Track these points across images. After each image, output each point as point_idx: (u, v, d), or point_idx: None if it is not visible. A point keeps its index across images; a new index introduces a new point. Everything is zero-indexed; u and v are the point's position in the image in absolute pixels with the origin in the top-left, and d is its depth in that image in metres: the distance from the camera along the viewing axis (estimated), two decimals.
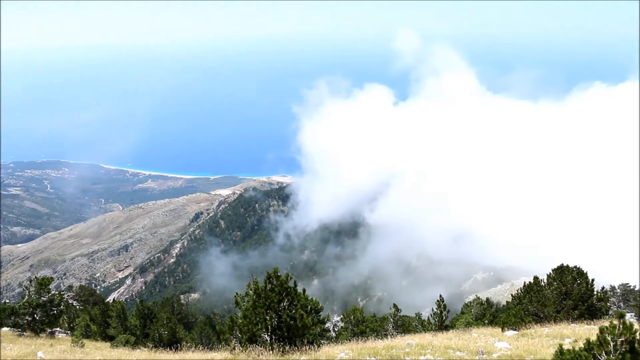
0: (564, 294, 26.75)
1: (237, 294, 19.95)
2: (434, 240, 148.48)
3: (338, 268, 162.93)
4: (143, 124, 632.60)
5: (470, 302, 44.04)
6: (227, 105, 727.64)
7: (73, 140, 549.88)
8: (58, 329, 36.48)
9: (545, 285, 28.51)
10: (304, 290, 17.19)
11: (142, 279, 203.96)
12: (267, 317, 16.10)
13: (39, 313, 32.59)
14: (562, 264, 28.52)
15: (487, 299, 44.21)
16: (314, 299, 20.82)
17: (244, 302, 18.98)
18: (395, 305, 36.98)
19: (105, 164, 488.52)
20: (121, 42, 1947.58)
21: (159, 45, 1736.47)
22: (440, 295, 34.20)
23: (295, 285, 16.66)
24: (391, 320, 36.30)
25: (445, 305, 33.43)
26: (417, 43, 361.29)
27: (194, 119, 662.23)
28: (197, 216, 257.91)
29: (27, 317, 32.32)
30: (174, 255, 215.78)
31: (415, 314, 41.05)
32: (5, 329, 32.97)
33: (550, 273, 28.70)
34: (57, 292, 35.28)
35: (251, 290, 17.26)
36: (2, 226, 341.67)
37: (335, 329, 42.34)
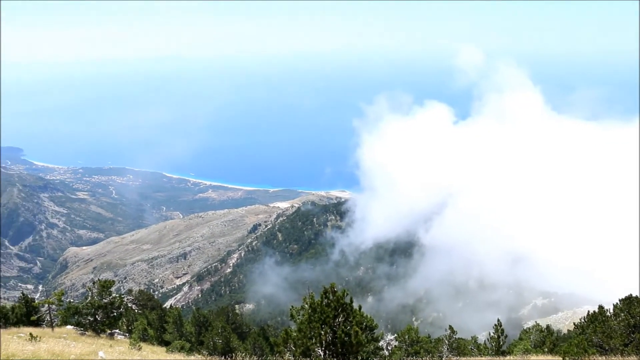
0: (632, 327, 25.49)
1: (292, 307, 19.90)
2: (490, 263, 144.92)
3: (391, 287, 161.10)
4: (206, 135, 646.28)
5: (529, 329, 42.69)
6: (289, 118, 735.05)
7: (138, 148, 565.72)
8: (117, 330, 37.32)
9: (611, 315, 27.31)
10: (360, 307, 17.03)
11: (199, 287, 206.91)
12: (322, 332, 16.00)
13: (100, 314, 33.48)
14: (631, 295, 27.27)
15: (548, 326, 42.80)
16: (368, 316, 20.59)
17: (299, 315, 18.93)
18: (450, 327, 36.26)
19: (168, 172, 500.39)
20: (187, 54, 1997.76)
21: (223, 58, 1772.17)
22: (498, 320, 33.34)
23: (351, 301, 16.52)
24: (446, 342, 35.59)
25: (502, 330, 32.57)
26: (479, 59, 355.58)
27: (255, 131, 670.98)
28: (255, 227, 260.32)
29: (89, 317, 33.27)
30: (231, 265, 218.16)
31: (471, 337, 40.05)
32: (69, 327, 34.04)
33: (617, 303, 27.49)
34: (117, 295, 36.17)
35: (307, 304, 17.23)
36: (69, 228, 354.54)
37: (389, 348, 41.79)
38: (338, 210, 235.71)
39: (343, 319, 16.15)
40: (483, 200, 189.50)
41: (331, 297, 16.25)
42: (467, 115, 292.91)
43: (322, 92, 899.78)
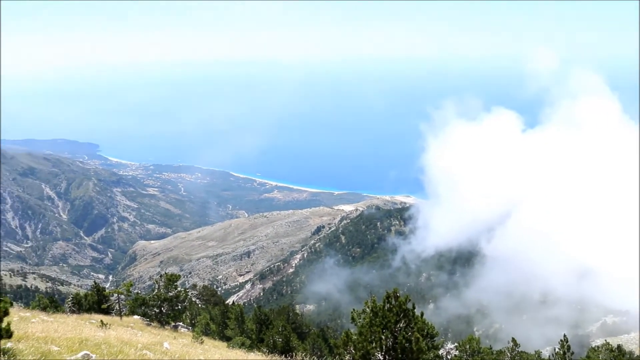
0: None
1: (353, 310, 19.91)
2: (553, 277, 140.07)
3: (450, 296, 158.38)
4: (274, 136, 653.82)
5: (598, 347, 41.17)
6: (356, 121, 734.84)
7: (207, 147, 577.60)
8: (181, 323, 38.21)
9: None
10: (422, 314, 16.85)
11: (261, 286, 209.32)
12: (383, 337, 15.91)
13: (165, 306, 34.42)
14: None
15: (619, 346, 41.13)
16: (430, 323, 20.36)
17: (360, 318, 18.92)
18: (513, 340, 35.43)
19: (235, 172, 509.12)
20: (259, 57, 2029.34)
21: (293, 61, 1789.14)
22: (565, 336, 32.29)
23: (414, 307, 16.37)
24: (508, 354, 34.80)
25: (569, 347, 31.52)
26: (553, 64, 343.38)
27: (322, 133, 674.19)
28: (318, 229, 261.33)
29: (155, 309, 34.26)
30: (293, 265, 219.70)
31: (535, 351, 38.97)
32: (136, 317, 35.15)
33: None
34: (182, 289, 37.08)
35: (368, 307, 17.17)
36: (139, 222, 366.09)
37: (448, 357, 41.15)
38: (402, 215, 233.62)
39: (404, 325, 16.01)
40: (549, 212, 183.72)
41: (393, 302, 16.14)
42: (536, 123, 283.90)
43: (390, 96, 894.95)
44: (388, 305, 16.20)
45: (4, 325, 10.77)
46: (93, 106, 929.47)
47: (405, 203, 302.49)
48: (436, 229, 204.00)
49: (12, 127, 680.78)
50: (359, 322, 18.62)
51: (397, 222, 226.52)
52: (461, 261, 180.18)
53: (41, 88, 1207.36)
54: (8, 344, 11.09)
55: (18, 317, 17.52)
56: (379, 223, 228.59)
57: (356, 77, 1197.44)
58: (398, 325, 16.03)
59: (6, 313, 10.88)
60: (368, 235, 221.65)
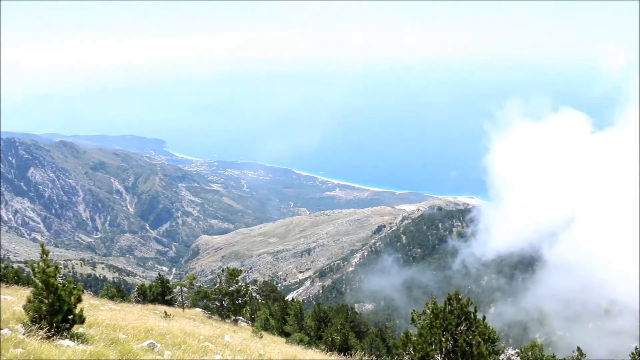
0: None
1: (414, 310, 19.71)
2: (618, 286, 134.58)
3: (509, 302, 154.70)
4: (337, 134, 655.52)
5: None
6: (418, 121, 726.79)
7: (271, 145, 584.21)
8: (241, 317, 38.74)
9: None
10: (484, 318, 16.56)
11: (321, 283, 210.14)
12: (443, 339, 15.73)
13: (226, 300, 35.01)
14: None
15: None
16: (491, 327, 19.97)
17: (420, 320, 18.73)
18: (579, 349, 34.37)
19: (297, 169, 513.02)
20: (318, 54, 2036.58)
21: (356, 59, 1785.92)
22: (636, 348, 31.08)
23: (475, 310, 16.10)
24: None
25: None
26: (623, 62, 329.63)
27: (385, 133, 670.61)
28: (379, 228, 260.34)
29: (216, 302, 34.92)
30: (353, 264, 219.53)
31: None
32: (197, 309, 35.97)
33: None
34: (243, 284, 37.62)
35: (429, 309, 17.00)
36: (202, 217, 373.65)
37: None
38: (464, 217, 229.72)
39: (465, 328, 15.77)
40: (615, 218, 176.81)
41: (455, 304, 15.92)
42: (606, 125, 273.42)
43: (454, 95, 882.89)
44: (449, 307, 15.99)
45: (77, 311, 11.27)
46: (160, 103, 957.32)
47: (467, 204, 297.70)
48: (498, 232, 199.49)
49: (84, 123, 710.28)
50: (419, 323, 18.45)
51: (459, 224, 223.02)
52: (522, 266, 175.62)
53: (111, 85, 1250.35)
54: (80, 329, 11.57)
55: (88, 304, 18.24)
56: (440, 224, 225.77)
57: (419, 76, 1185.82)
58: (459, 328, 15.81)
59: (79, 300, 11.37)
60: (429, 236, 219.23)
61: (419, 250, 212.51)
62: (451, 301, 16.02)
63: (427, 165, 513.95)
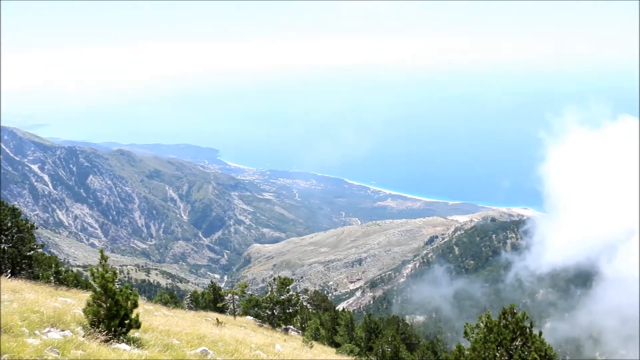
0: None
1: (467, 324, 19.37)
2: None
3: (564, 318, 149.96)
4: (388, 143, 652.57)
5: None
6: (471, 130, 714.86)
7: (322, 155, 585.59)
8: (291, 326, 38.84)
9: None
10: (540, 333, 16.10)
11: (371, 294, 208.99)
12: (497, 354, 15.39)
13: (277, 309, 35.20)
14: None
15: None
16: (547, 344, 19.41)
17: (473, 333, 18.39)
18: None
19: (349, 179, 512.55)
20: (367, 60, 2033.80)
21: (404, 66, 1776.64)
22: None
23: (531, 325, 15.67)
24: None
25: None
26: None
27: (437, 142, 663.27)
28: (431, 239, 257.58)
29: (267, 311, 35.14)
30: (405, 275, 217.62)
31: None
32: (248, 317, 36.23)
33: None
34: (294, 293, 37.73)
35: (482, 323, 16.67)
36: (254, 226, 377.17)
37: None
38: (518, 228, 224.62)
39: (521, 344, 15.37)
40: None
41: (510, 318, 15.54)
42: None
43: (507, 102, 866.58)
44: (504, 321, 15.63)
45: (133, 316, 11.53)
46: (214, 112, 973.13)
47: (522, 215, 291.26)
48: (553, 245, 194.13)
49: (141, 132, 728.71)
50: (472, 337, 18.10)
51: (513, 236, 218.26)
52: (578, 281, 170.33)
53: (167, 95, 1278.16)
54: (135, 334, 11.82)
55: (143, 309, 18.64)
56: (494, 235, 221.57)
57: (471, 84, 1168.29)
58: (514, 344, 15.43)
59: (135, 305, 11.63)
60: (482, 247, 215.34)
61: (471, 262, 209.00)
62: (506, 315, 15.65)
63: (481, 175, 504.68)
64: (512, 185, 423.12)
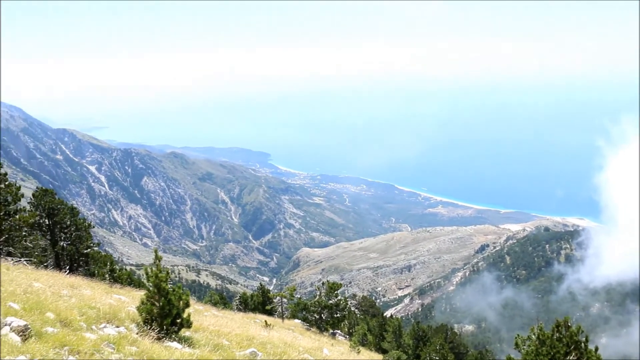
0: None
1: (518, 335, 18.94)
2: None
3: (621, 334, 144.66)
4: (442, 151, 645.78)
5: None
6: (523, 138, 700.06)
7: (373, 159, 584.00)
8: (339, 331, 38.79)
9: None
10: (596, 349, 15.57)
11: (420, 301, 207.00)
12: None
13: (325, 313, 35.19)
14: None
15: None
16: None
17: (524, 345, 17.97)
18: None
19: (400, 185, 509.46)
20: (422, 70, 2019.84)
21: (460, 75, 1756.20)
22: None
23: (587, 340, 15.19)
24: None
25: None
26: None
27: (491, 150, 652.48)
28: (482, 248, 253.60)
29: (315, 315, 35.18)
30: (454, 283, 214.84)
31: None
32: (296, 320, 36.39)
33: None
34: (342, 298, 37.67)
35: (534, 334, 16.26)
36: (304, 230, 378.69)
37: None
38: (572, 239, 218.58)
39: (575, 358, 14.91)
40: None
41: (564, 331, 15.08)
42: None
43: (562, 109, 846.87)
44: (557, 334, 15.17)
45: (185, 315, 11.75)
46: (266, 117, 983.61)
47: (577, 226, 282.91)
48: (609, 258, 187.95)
49: (195, 135, 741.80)
50: (523, 349, 17.68)
51: (568, 247, 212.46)
52: (635, 296, 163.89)
53: (220, 100, 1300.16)
54: (186, 333, 12.05)
55: (193, 309, 18.94)
56: (547, 246, 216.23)
57: (526, 92, 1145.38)
58: (567, 358, 14.97)
59: (187, 305, 11.86)
60: (535, 257, 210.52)
61: (523, 272, 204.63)
62: (560, 328, 15.21)
63: (534, 184, 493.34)
64: (567, 194, 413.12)
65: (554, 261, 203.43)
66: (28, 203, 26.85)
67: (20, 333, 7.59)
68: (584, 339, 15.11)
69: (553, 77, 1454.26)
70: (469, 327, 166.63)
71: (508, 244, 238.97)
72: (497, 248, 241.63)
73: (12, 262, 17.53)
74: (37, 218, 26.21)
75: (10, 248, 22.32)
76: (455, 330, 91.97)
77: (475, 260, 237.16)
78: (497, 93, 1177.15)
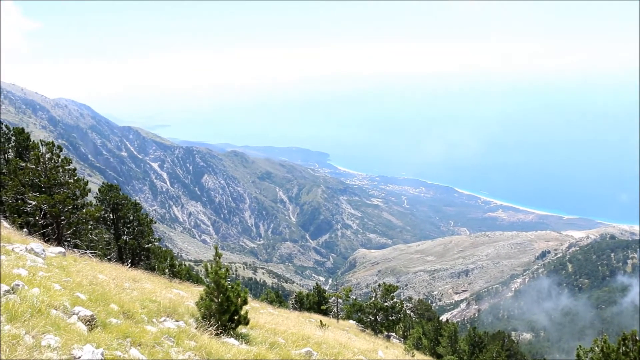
0: None
1: (580, 346, 18.42)
2: None
3: None
4: (502, 154, 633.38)
5: None
6: (589, 141, 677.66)
7: (432, 161, 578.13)
8: (393, 334, 38.58)
9: None
10: None
11: (477, 307, 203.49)
12: None
13: (380, 315, 35.08)
14: None
15: None
16: None
17: (586, 357, 17.44)
18: None
19: (459, 188, 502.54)
20: (483, 70, 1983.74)
21: (525, 76, 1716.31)
22: None
23: None
24: None
25: None
26: None
27: (552, 152, 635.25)
28: (543, 254, 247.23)
29: (370, 317, 35.10)
30: (513, 289, 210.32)
31: None
32: (351, 321, 36.38)
33: None
34: (398, 301, 37.45)
35: (598, 347, 15.76)
36: (361, 231, 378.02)
37: None
38: None
39: None
40: None
41: (631, 345, 14.53)
42: None
43: (630, 110, 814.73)
44: (624, 348, 14.63)
45: (242, 312, 11.92)
46: (326, 117, 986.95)
47: None
48: None
49: (255, 134, 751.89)
50: None
51: (635, 256, 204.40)
52: None
53: (280, 100, 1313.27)
54: (243, 330, 12.22)
55: (250, 307, 19.19)
56: (612, 254, 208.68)
57: (589, 94, 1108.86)
58: None
59: (245, 302, 12.03)
60: (599, 266, 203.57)
61: (586, 281, 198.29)
62: (626, 341, 14.66)
63: (600, 188, 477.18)
64: (635, 200, 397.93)
65: (619, 271, 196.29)
66: (94, 198, 27.83)
67: (87, 322, 7.87)
68: None
69: (616, 78, 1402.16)
70: (527, 336, 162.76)
71: (570, 251, 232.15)
72: (559, 255, 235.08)
73: (78, 254, 18.16)
74: (102, 212, 27.14)
75: (77, 240, 23.20)
76: (513, 338, 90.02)
77: (535, 266, 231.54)
78: (562, 93, 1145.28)
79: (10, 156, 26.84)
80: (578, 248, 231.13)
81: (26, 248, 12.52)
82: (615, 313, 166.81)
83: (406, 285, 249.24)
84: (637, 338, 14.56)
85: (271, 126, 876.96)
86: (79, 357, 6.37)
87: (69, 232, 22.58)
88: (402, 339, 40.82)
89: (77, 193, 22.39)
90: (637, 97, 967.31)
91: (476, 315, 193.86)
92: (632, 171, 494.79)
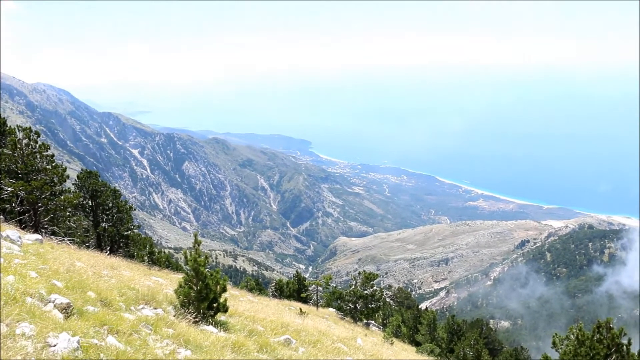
0: None
1: (556, 334, 18.65)
2: None
3: None
4: (485, 144, 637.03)
5: None
6: (569, 132, 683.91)
7: (414, 150, 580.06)
8: (373, 322, 38.75)
9: None
10: None
11: (456, 295, 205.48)
12: None
13: (360, 303, 35.21)
14: None
15: None
16: None
17: (562, 345, 17.68)
18: None
19: (441, 177, 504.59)
20: (469, 61, 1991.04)
21: (502, 66, 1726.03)
22: None
23: (629, 343, 14.77)
24: None
25: None
26: None
27: (533, 144, 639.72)
28: (522, 243, 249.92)
29: (350, 304, 35.24)
30: (492, 278, 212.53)
31: None
32: (331, 309, 36.52)
33: None
34: (378, 289, 37.57)
35: (573, 335, 15.98)
36: (342, 219, 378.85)
37: None
38: (617, 239, 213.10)
39: None
40: None
41: (605, 333, 14.72)
42: None
43: (612, 105, 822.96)
44: (598, 336, 14.82)
45: (221, 300, 11.89)
46: (309, 105, 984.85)
47: (624, 225, 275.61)
48: None
49: (237, 122, 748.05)
50: (561, 348, 17.41)
51: (612, 246, 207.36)
52: None
53: (262, 87, 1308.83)
54: (222, 317, 12.19)
55: (229, 294, 19.20)
56: (590, 244, 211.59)
57: (569, 84, 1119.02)
58: None
59: (224, 290, 11.99)
60: (577, 255, 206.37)
61: (564, 270, 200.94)
62: (600, 329, 14.85)
63: (579, 180, 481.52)
64: (615, 191, 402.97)
65: (596, 260, 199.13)
66: (73, 184, 27.49)
67: (63, 310, 7.79)
68: (626, 341, 14.72)
69: (602, 71, 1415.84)
70: (505, 323, 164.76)
71: (549, 240, 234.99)
72: (538, 244, 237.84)
73: (56, 241, 17.97)
74: (81, 199, 26.83)
75: (55, 227, 22.92)
76: (491, 326, 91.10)
77: (514, 255, 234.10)
78: (542, 86, 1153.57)
79: None
80: (557, 237, 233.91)
81: (2, 235, 12.35)
82: (589, 301, 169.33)
83: (386, 273, 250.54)
84: (611, 326, 14.76)
85: (254, 114, 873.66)
86: (54, 345, 6.31)
87: (46, 219, 22.30)
88: (381, 327, 41.01)
89: (55, 179, 22.09)
90: (618, 89, 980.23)
91: (455, 303, 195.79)
92: (615, 162, 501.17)
